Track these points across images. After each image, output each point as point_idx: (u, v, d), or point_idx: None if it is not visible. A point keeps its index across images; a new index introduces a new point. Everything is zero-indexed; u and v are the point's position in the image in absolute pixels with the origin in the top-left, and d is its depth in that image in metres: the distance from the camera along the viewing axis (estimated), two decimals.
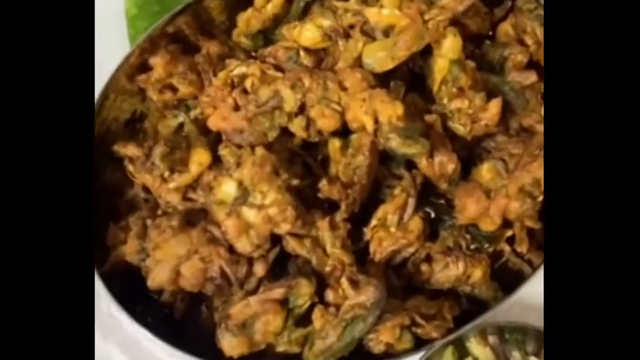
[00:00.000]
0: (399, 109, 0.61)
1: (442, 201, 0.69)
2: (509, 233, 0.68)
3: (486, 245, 0.67)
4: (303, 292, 0.59)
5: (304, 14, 0.71)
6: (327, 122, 0.62)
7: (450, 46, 0.63)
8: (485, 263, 0.66)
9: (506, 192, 0.62)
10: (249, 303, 0.59)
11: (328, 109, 0.62)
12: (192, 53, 0.71)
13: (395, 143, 0.61)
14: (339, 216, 0.62)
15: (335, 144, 0.63)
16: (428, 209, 0.69)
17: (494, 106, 0.62)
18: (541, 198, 0.64)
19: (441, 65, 0.63)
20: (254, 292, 0.60)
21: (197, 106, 0.69)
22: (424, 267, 0.65)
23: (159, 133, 0.71)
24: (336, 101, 0.62)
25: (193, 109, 0.70)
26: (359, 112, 0.61)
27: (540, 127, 0.69)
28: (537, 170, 0.62)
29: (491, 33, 0.73)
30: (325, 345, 0.58)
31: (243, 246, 0.60)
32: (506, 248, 0.69)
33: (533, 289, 0.69)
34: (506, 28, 0.71)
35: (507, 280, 0.67)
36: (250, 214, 0.59)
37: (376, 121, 0.61)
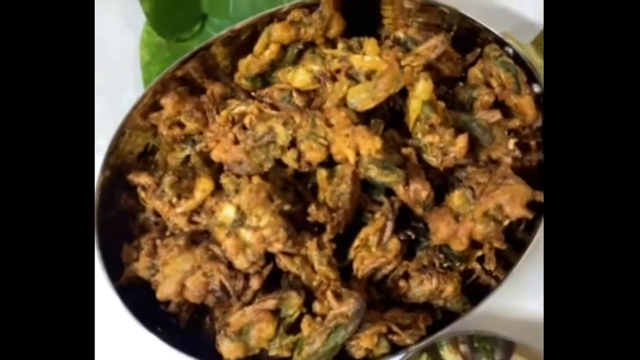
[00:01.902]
0: (377, 143, 0.66)
1: (421, 225, 0.74)
2: (479, 253, 0.73)
3: (457, 264, 0.72)
4: (293, 303, 0.64)
5: (297, 60, 0.77)
6: (314, 154, 0.68)
7: (422, 88, 0.68)
8: (456, 280, 0.71)
9: (473, 216, 0.67)
10: (245, 312, 0.64)
11: (316, 143, 0.68)
12: (199, 94, 0.76)
13: (373, 173, 0.67)
14: (326, 237, 0.67)
15: (322, 174, 0.69)
16: (409, 232, 0.74)
17: (462, 140, 0.68)
18: (507, 222, 0.70)
19: (414, 105, 0.69)
20: (250, 303, 0.65)
21: (202, 140, 0.74)
22: (402, 283, 0.71)
23: (168, 164, 0.76)
24: (323, 136, 0.68)
25: (199, 143, 0.75)
26: (342, 146, 0.67)
27: (507, 159, 0.75)
28: (500, 196, 0.67)
29: (464, 75, 0.78)
30: (312, 350, 0.63)
31: (240, 263, 0.65)
32: (477, 267, 0.74)
33: (501, 303, 0.76)
34: (475, 72, 0.76)
35: (477, 294, 0.71)
36: (247, 235, 0.65)
37: (358, 154, 0.67)
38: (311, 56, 0.76)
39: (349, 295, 0.64)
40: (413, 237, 0.74)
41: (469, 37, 0.78)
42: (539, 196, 0.69)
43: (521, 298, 0.76)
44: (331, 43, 0.77)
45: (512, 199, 0.67)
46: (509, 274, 0.71)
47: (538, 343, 0.71)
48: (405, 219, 0.74)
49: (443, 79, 0.78)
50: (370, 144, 0.67)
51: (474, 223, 0.67)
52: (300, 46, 0.77)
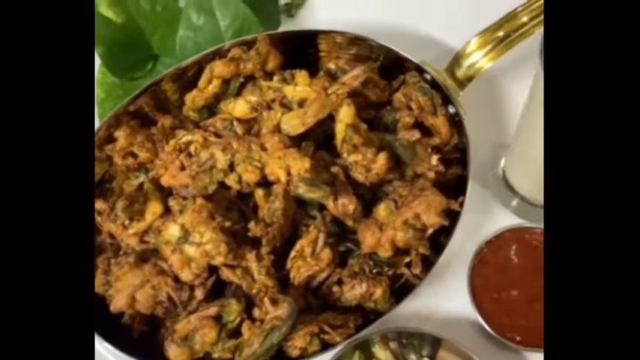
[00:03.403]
0: (306, 163, 0.71)
1: (355, 236, 0.78)
2: (407, 259, 0.77)
3: (386, 269, 0.76)
4: (233, 309, 0.69)
5: (240, 92, 0.82)
6: (250, 176, 0.73)
7: (345, 113, 0.73)
8: (385, 283, 0.75)
9: (394, 225, 0.73)
10: (190, 320, 0.68)
11: (251, 165, 0.73)
12: (150, 126, 0.81)
13: (302, 190, 0.71)
14: (264, 249, 0.72)
15: (259, 193, 0.74)
16: (348, 244, 0.79)
17: (382, 158, 0.73)
18: (430, 230, 0.75)
19: (339, 128, 0.74)
20: (195, 311, 0.69)
21: (153, 168, 0.79)
22: (335, 288, 0.75)
23: (124, 190, 0.80)
24: (258, 159, 0.73)
25: (151, 171, 0.79)
26: (275, 167, 0.72)
27: (430, 174, 0.80)
28: (417, 207, 0.72)
29: (390, 99, 0.84)
30: (251, 351, 0.67)
31: (185, 276, 0.69)
32: (406, 271, 0.78)
33: (428, 304, 0.81)
34: (399, 96, 0.82)
35: (405, 296, 0.76)
36: (191, 250, 0.69)
37: (289, 174, 0.72)
38: (251, 88, 0.82)
39: (284, 300, 0.69)
40: (349, 247, 0.79)
41: (394, 66, 0.85)
42: (454, 205, 0.75)
43: (446, 299, 0.81)
44: (270, 76, 0.83)
45: (428, 209, 0.72)
46: (433, 275, 0.76)
47: (462, 338, 0.76)
48: (343, 231, 0.79)
49: (371, 103, 0.83)
50: (300, 164, 0.72)
51: (394, 232, 0.73)
52: (242, 80, 0.83)
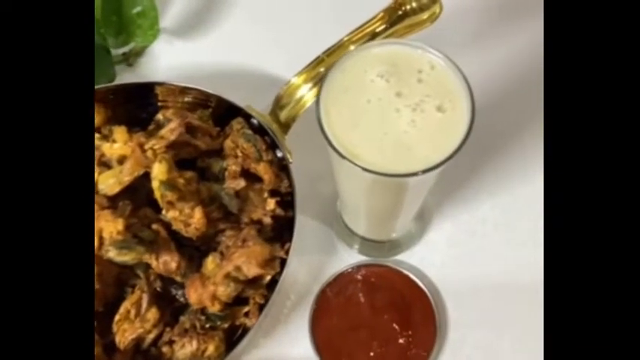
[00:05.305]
0: (119, 225, 0.69)
1: None
2: (245, 309, 0.76)
3: (219, 323, 0.74)
4: None
5: None
6: None
7: (158, 170, 0.72)
8: (217, 338, 0.73)
9: (215, 280, 0.72)
10: None
11: None
12: None
13: (112, 254, 0.69)
14: None
15: None
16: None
17: (197, 213, 0.71)
18: (267, 279, 0.74)
19: (154, 185, 0.72)
20: None
21: None
22: (165, 348, 0.73)
23: None
24: None
25: None
26: None
27: (266, 219, 0.79)
28: (238, 259, 0.70)
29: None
30: None
31: None
32: (245, 321, 0.76)
33: (272, 352, 0.79)
34: (229, 143, 0.80)
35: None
36: None
37: (102, 238, 0.70)
38: None
39: None
40: (184, 303, 0.77)
41: (226, 113, 0.83)
42: (280, 252, 0.74)
43: (289, 346, 0.79)
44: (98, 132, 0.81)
45: (249, 260, 0.71)
46: (276, 322, 0.78)
47: None
48: (182, 286, 0.76)
49: (204, 152, 0.82)
50: (112, 227, 0.70)
51: (215, 286, 0.71)
52: None
